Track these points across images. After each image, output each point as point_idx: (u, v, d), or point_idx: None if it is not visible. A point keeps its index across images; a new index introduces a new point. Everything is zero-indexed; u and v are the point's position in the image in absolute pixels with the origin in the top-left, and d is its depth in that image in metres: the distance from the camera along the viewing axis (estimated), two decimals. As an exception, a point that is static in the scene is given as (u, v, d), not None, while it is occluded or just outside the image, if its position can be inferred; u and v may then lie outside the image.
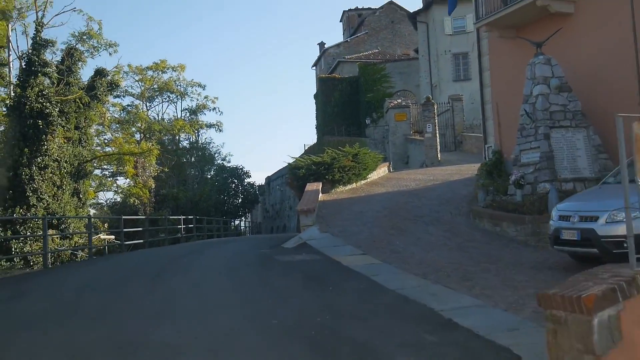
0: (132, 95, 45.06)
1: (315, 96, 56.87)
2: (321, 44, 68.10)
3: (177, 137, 46.43)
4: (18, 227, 19.16)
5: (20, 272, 15.00)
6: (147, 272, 12.32)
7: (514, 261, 11.12)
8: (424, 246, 13.08)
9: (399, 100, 37.91)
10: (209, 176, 55.65)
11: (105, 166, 30.91)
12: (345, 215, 17.35)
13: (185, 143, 50.66)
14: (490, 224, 14.55)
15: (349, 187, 22.86)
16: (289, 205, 68.55)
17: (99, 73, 25.84)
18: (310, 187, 20.48)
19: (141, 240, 22.81)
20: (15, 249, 18.66)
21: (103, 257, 19.71)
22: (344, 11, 71.67)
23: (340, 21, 73.62)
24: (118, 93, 42.48)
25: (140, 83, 43.92)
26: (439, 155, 30.67)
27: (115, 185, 34.21)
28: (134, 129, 39.22)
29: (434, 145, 30.61)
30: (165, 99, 47.28)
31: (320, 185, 21.00)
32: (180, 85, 48.05)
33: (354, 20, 69.59)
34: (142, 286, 10.32)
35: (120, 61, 65.35)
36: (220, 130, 54.05)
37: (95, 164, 29.80)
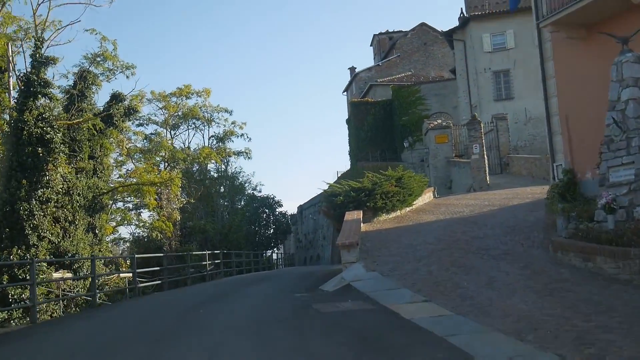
0: (156, 123, 42.92)
1: (348, 121, 54.52)
2: (352, 69, 65.91)
3: (204, 167, 43.76)
4: (16, 270, 16.62)
5: (1, 331, 12.42)
6: (152, 330, 9.74)
7: (634, 311, 8.25)
8: (502, 289, 10.25)
9: (439, 121, 35.20)
10: (239, 206, 53.43)
11: (127, 198, 28.34)
12: (394, 249, 14.62)
13: (213, 172, 48.15)
14: (579, 258, 11.64)
15: (392, 215, 20.15)
16: (322, 235, 65.75)
17: (115, 97, 23.61)
18: (350, 216, 17.82)
19: (158, 282, 20.13)
20: (13, 295, 16.12)
21: (116, 303, 17.22)
22: (374, 35, 69.60)
23: (371, 45, 71.48)
24: (141, 121, 40.43)
25: (164, 110, 41.58)
26: (487, 179, 27.76)
27: (136, 219, 31.55)
28: (158, 158, 36.66)
29: (482, 167, 27.73)
30: (191, 126, 44.78)
31: (361, 214, 18.32)
32: (206, 112, 45.86)
33: (385, 43, 67.39)
34: (138, 356, 7.67)
35: (139, 85, 62.29)
36: (249, 158, 51.49)
37: (114, 196, 27.55)
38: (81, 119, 20.22)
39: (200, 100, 44.41)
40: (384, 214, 19.78)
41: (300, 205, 78.94)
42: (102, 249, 22.40)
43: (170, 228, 27.88)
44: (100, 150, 22.52)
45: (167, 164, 34.99)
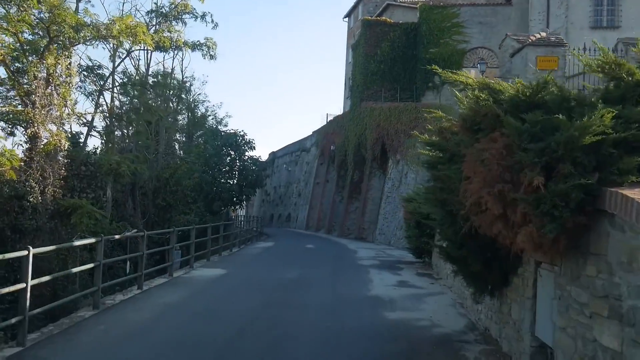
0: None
1: (355, 47, 38.99)
2: (359, -14, 49.76)
3: (131, 60, 25.99)
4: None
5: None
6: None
7: None
8: None
9: (544, 34, 19.94)
10: (196, 144, 37.75)
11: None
12: None
13: (156, 78, 30.44)
14: None
15: None
16: (297, 191, 50.43)
17: None
18: None
19: None
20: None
21: None
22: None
23: (383, -36, 55.24)
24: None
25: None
26: None
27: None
28: (38, 29, 18.62)
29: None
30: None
31: None
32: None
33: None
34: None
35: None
36: (211, 57, 31.35)
37: None
38: None
39: None
40: None
41: (273, 152, 63.28)
42: None
43: (16, 160, 12.26)
44: None
45: (47, 32, 17.80)
